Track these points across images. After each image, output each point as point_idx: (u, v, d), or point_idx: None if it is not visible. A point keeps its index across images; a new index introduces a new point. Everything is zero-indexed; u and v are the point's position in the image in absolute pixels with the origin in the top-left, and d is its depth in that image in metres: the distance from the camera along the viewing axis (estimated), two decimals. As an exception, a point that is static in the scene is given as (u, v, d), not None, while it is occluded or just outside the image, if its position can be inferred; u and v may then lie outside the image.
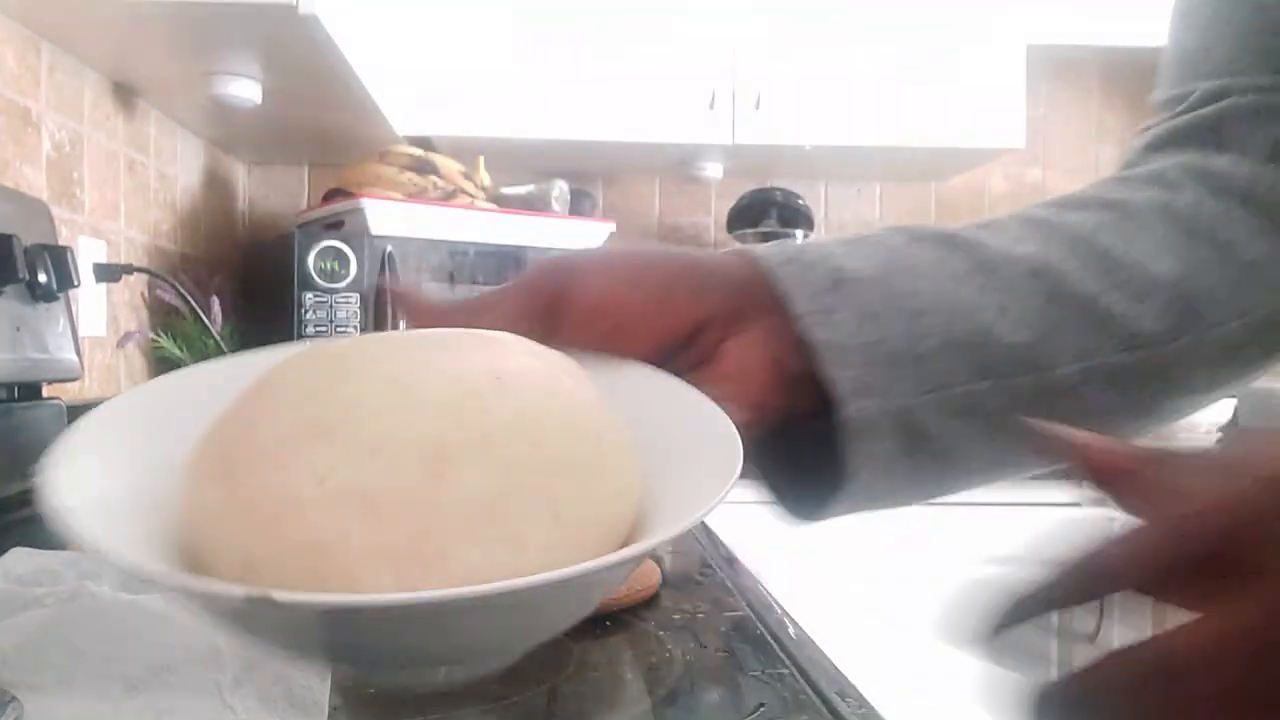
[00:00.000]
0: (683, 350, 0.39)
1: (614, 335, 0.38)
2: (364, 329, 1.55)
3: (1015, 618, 0.25)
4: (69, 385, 1.16)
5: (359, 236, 1.56)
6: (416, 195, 1.65)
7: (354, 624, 0.26)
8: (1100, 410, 0.42)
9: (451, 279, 1.63)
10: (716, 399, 0.36)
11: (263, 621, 0.28)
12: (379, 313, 1.55)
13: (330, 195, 1.70)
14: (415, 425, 0.27)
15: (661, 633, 0.53)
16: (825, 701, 0.44)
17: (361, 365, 0.30)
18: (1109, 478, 0.26)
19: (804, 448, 0.42)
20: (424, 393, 0.28)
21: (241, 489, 0.27)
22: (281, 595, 0.24)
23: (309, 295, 1.52)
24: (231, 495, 0.27)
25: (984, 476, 0.44)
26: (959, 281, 0.41)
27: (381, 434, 0.27)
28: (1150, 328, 0.42)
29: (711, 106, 1.82)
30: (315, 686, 0.41)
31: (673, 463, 0.32)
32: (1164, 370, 0.43)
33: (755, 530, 0.70)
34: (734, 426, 0.33)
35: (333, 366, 0.30)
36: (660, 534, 0.29)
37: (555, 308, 0.38)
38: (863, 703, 0.44)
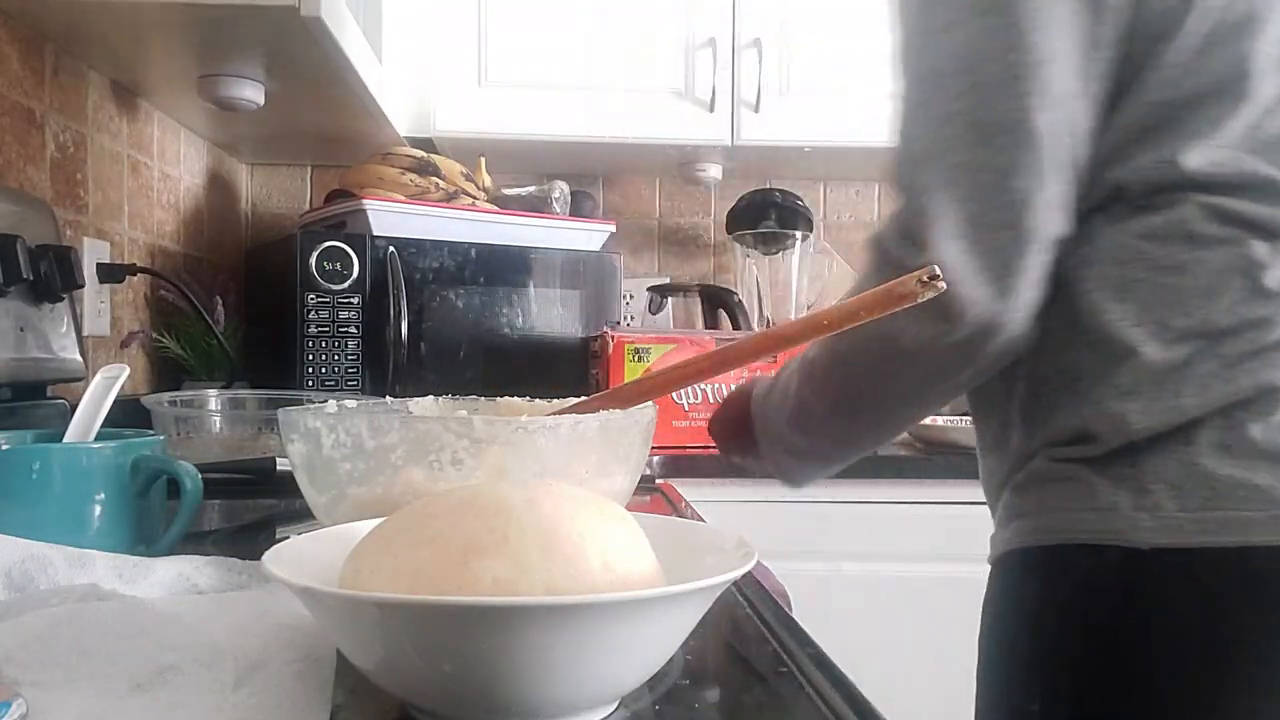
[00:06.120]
0: None
1: None
2: (364, 329, 1.55)
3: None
4: (73, 385, 1.16)
5: (361, 237, 1.56)
6: (418, 196, 1.65)
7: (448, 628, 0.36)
8: None
9: (453, 280, 1.63)
10: None
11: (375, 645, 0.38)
12: (379, 313, 1.55)
13: (332, 196, 1.71)
14: (459, 527, 0.39)
15: (662, 632, 0.53)
16: (825, 702, 0.44)
17: (454, 491, 0.43)
18: None
19: None
20: (476, 506, 0.40)
21: (357, 566, 0.41)
22: (332, 589, 0.39)
23: (311, 296, 1.53)
24: (352, 570, 0.41)
25: None
26: None
27: (435, 531, 0.40)
28: None
29: (711, 108, 1.82)
30: (318, 686, 0.41)
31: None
32: None
33: (755, 530, 0.71)
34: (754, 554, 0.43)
35: (442, 494, 0.43)
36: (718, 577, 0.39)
37: None
38: (863, 702, 0.44)
